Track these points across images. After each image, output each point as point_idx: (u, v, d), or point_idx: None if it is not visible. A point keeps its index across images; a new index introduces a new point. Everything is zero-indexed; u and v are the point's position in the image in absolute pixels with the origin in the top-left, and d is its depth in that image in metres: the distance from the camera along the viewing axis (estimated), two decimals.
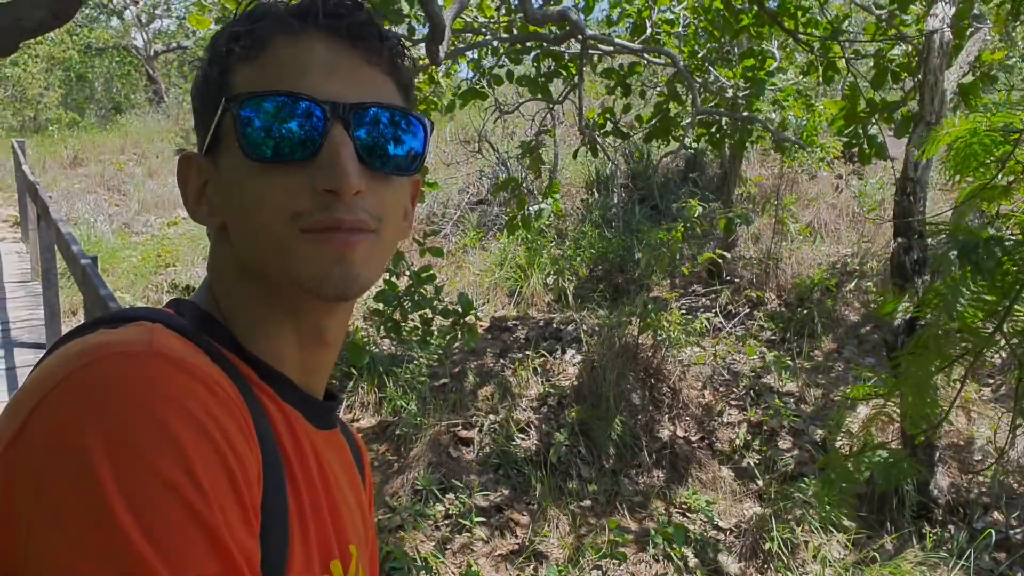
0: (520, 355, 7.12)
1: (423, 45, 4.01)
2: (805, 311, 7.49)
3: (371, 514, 1.05)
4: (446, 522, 5.37)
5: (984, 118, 2.64)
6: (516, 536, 5.27)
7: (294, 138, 0.78)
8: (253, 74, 0.81)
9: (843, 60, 4.78)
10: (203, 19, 5.29)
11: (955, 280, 2.52)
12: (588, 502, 5.60)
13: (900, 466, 2.79)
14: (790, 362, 6.85)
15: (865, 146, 4.55)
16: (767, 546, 4.99)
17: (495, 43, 5.41)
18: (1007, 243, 2.47)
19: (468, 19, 5.15)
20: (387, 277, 5.75)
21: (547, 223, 8.28)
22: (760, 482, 5.79)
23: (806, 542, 5.05)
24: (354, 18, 0.82)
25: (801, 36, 4.68)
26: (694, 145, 6.99)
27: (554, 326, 7.74)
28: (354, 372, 6.75)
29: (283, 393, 0.83)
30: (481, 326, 7.64)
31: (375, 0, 5.11)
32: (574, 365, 6.88)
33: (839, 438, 5.79)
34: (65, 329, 6.79)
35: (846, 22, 4.68)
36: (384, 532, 5.17)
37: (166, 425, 0.61)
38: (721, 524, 5.40)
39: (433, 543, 5.16)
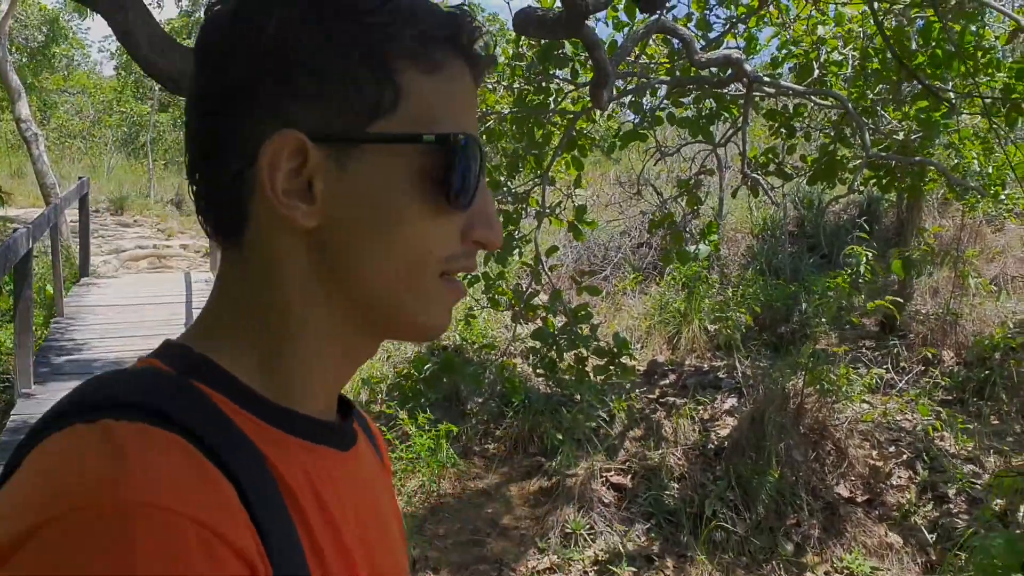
0: (677, 401, 6.99)
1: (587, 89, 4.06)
2: (986, 372, 7.01)
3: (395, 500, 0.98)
4: (595, 567, 5.30)
5: None
6: None
7: (472, 186, 0.73)
8: (433, 95, 0.72)
9: None
10: None
11: None
12: (744, 558, 5.40)
13: None
14: (968, 425, 6.42)
15: None
16: None
17: (659, 86, 5.41)
18: None
19: (629, 59, 5.18)
20: (543, 315, 5.80)
21: (706, 265, 8.13)
22: (932, 551, 5.43)
23: None
24: (486, 46, 0.77)
25: (974, 84, 4.44)
26: (861, 188, 6.69)
27: (713, 374, 7.56)
28: (508, 409, 6.80)
29: (305, 433, 0.74)
30: (637, 369, 7.55)
31: (539, 48, 5.23)
32: (733, 415, 6.69)
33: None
34: None
35: None
36: (533, 573, 5.16)
37: None
38: None
39: None
